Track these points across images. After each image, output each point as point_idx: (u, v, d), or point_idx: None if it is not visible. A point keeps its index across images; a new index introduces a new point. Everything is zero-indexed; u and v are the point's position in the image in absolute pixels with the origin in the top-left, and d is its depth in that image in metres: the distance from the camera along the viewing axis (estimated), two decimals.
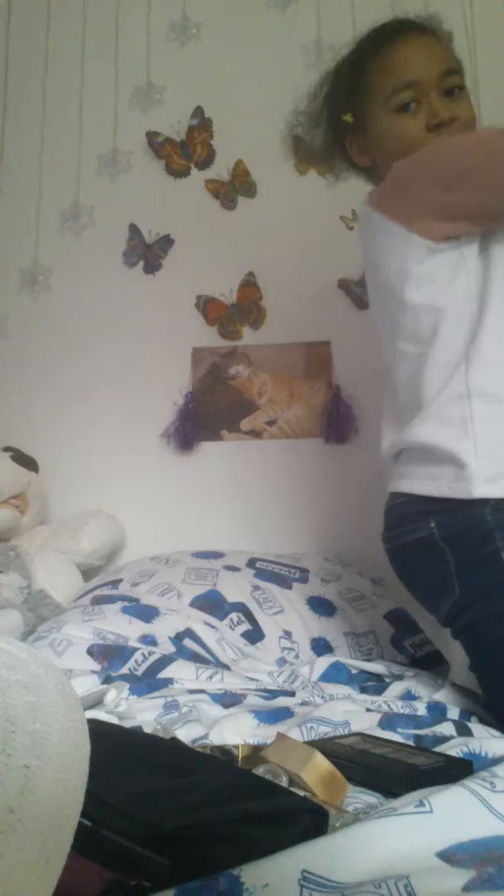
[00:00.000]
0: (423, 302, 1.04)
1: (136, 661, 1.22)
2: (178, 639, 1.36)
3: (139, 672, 1.21)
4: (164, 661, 1.22)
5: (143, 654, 1.24)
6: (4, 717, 0.39)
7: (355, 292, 2.04)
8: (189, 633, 1.38)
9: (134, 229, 2.15)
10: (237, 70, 2.18)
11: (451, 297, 1.03)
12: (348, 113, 1.14)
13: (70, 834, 0.38)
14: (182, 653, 1.31)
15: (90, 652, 1.25)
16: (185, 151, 2.17)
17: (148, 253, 2.15)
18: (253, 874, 0.48)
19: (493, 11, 2.08)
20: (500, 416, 1.02)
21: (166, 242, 2.14)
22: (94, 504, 1.99)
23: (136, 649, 1.26)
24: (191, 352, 2.08)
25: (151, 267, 2.14)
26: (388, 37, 1.14)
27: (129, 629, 1.35)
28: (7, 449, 1.95)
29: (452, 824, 0.52)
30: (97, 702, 1.00)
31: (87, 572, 1.86)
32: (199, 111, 2.17)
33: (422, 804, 0.53)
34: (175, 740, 0.76)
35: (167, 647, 1.32)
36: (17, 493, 1.86)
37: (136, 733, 0.80)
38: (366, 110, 1.13)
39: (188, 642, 1.36)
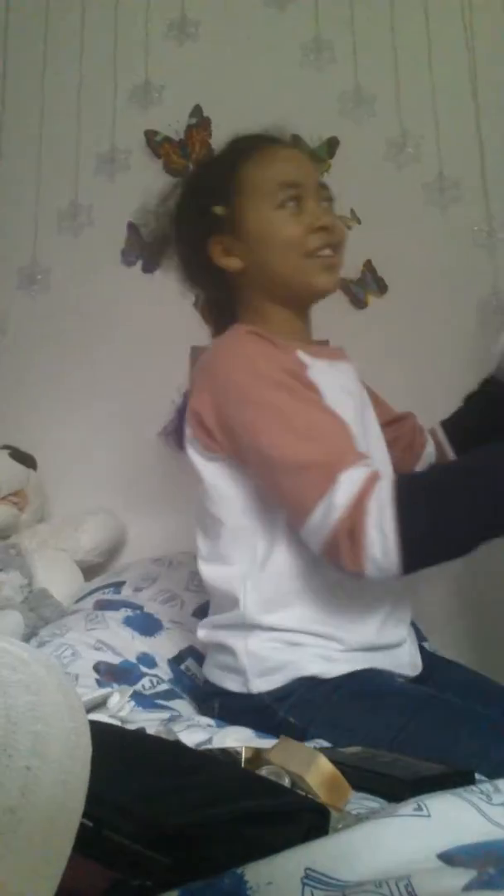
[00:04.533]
0: None
1: (143, 685, 1.18)
2: (178, 660, 1.32)
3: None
4: (171, 695, 1.19)
5: (151, 681, 1.21)
6: (6, 717, 0.38)
7: (353, 292, 2.04)
8: (191, 653, 1.34)
9: (132, 228, 2.15)
10: (236, 69, 2.17)
11: None
12: (221, 207, 1.09)
13: (72, 835, 0.38)
14: (180, 680, 1.27)
15: (96, 668, 1.23)
16: (183, 150, 2.17)
17: (146, 252, 2.14)
18: (256, 872, 0.48)
19: (492, 11, 2.08)
20: None
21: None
22: (93, 501, 1.99)
23: (143, 674, 1.22)
24: (189, 350, 2.08)
25: (150, 266, 2.14)
26: (264, 140, 1.13)
27: (130, 644, 1.31)
28: (5, 447, 1.95)
29: (451, 829, 0.52)
30: (99, 705, 1.00)
31: (88, 570, 1.86)
32: (197, 110, 2.17)
33: (420, 808, 0.53)
34: (178, 741, 0.76)
35: (165, 670, 1.28)
36: (15, 489, 1.86)
37: (138, 734, 0.80)
38: (242, 207, 1.07)
39: (190, 663, 1.32)
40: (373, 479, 0.90)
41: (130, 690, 1.04)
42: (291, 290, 1.10)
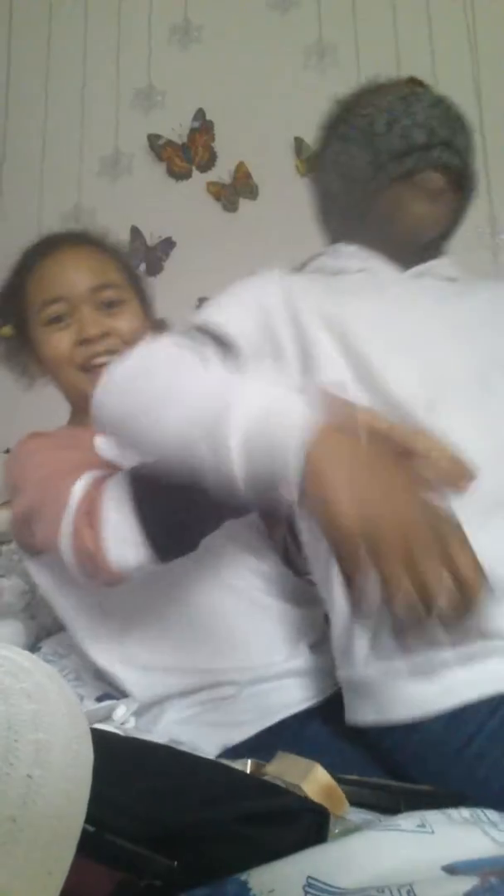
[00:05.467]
0: None
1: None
2: None
3: None
4: None
5: None
6: (7, 725, 0.38)
7: None
8: None
9: (135, 232, 2.16)
10: (238, 72, 2.18)
11: None
12: (8, 328, 1.10)
13: (73, 844, 0.38)
14: None
15: (99, 700, 1.22)
16: (186, 154, 2.18)
17: (149, 255, 2.15)
18: (259, 879, 0.48)
19: (494, 14, 2.08)
20: None
21: (168, 245, 2.15)
22: None
23: None
24: None
25: (153, 269, 2.14)
26: (41, 251, 1.10)
27: None
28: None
29: (455, 845, 0.52)
30: (105, 717, 0.99)
31: None
32: (200, 113, 2.18)
33: (423, 825, 0.54)
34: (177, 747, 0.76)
35: None
36: None
37: (138, 740, 0.80)
38: (26, 324, 1.08)
39: None
40: (103, 478, 0.84)
41: (136, 704, 1.03)
42: (75, 405, 1.12)
